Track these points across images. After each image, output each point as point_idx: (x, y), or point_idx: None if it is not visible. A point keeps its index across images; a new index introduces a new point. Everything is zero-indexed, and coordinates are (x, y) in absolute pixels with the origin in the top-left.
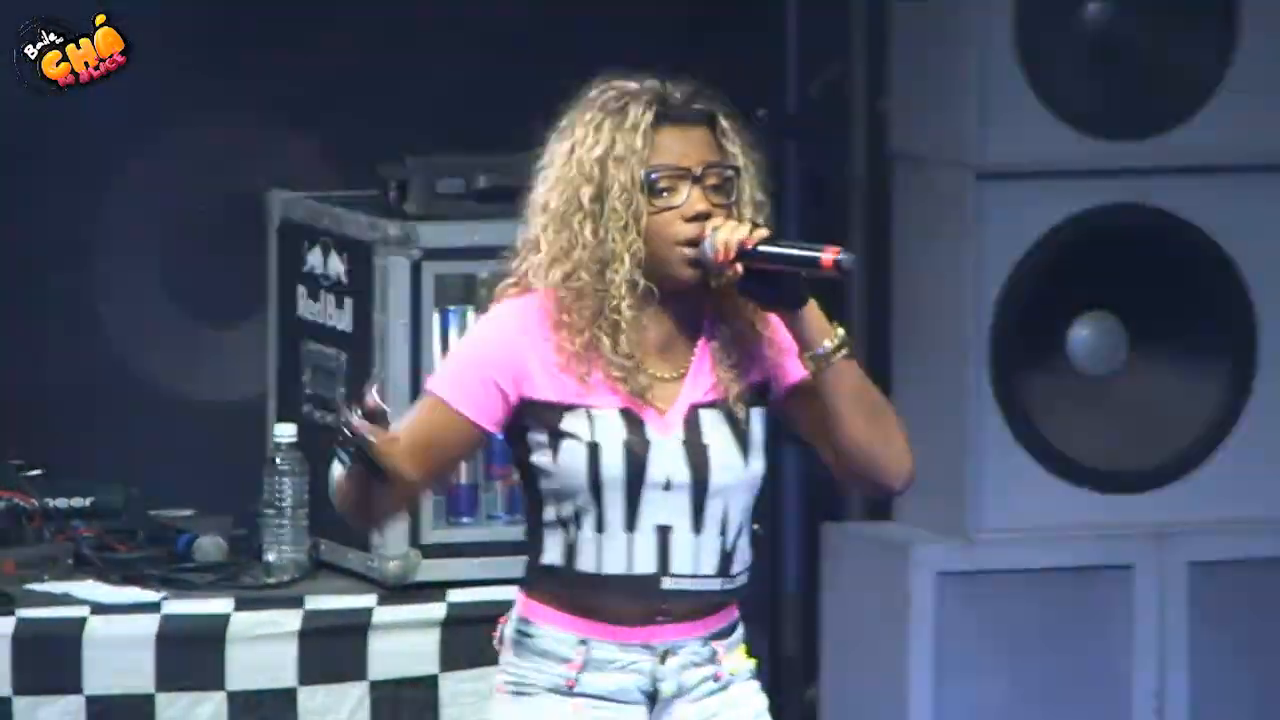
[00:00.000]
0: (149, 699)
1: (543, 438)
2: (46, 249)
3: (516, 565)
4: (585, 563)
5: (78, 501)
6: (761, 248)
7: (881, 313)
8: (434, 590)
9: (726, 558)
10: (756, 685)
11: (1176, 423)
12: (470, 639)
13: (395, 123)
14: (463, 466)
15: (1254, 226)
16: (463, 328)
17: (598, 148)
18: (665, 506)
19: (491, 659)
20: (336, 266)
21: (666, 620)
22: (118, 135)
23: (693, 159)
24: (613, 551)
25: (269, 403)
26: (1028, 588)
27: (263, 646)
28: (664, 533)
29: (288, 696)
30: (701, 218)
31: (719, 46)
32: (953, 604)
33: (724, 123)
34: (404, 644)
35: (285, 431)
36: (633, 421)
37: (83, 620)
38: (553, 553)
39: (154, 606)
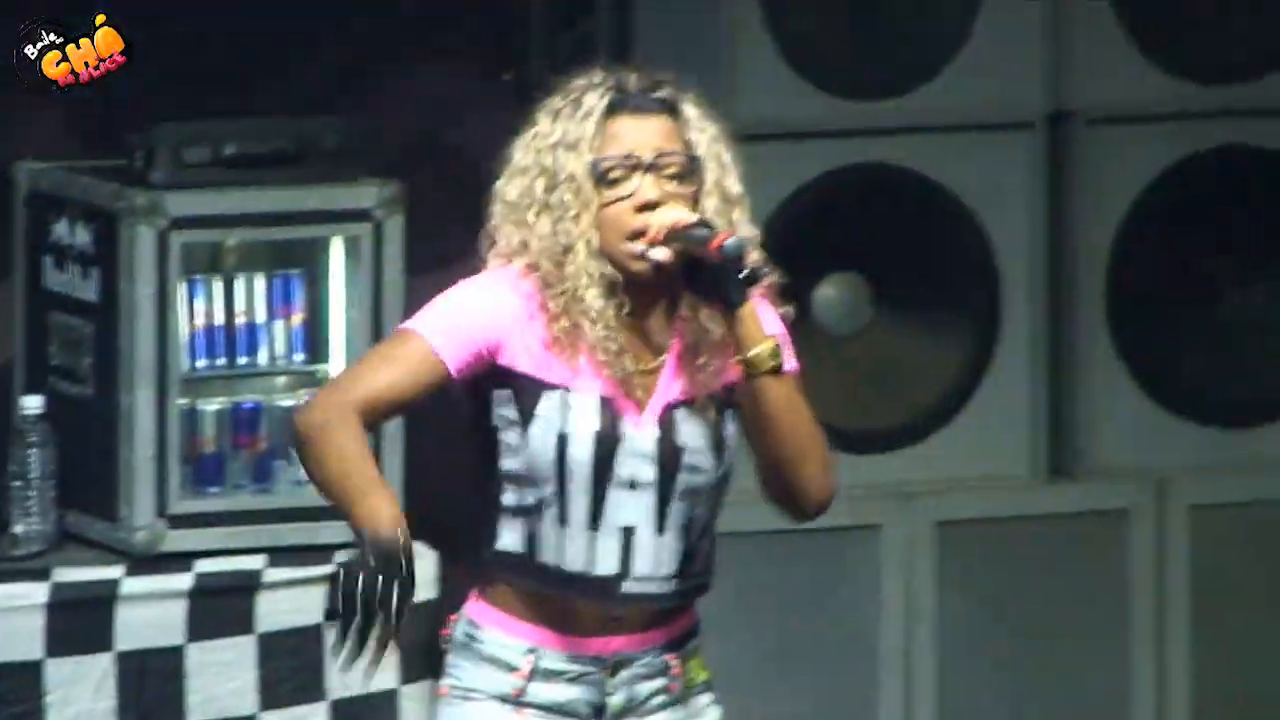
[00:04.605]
0: None
1: (513, 414)
2: None
3: (263, 535)
4: (547, 555)
5: None
6: (689, 232)
7: None
8: (181, 560)
9: (687, 558)
10: (712, 697)
11: (922, 382)
12: (217, 609)
13: (145, 90)
14: (210, 435)
15: (998, 186)
16: (209, 297)
17: (551, 136)
18: (630, 506)
19: (235, 630)
20: (83, 236)
21: (619, 630)
22: None
23: (645, 148)
24: (575, 549)
25: (15, 373)
26: (774, 549)
27: (9, 619)
28: (628, 534)
29: (34, 669)
30: (651, 208)
31: (462, 4)
32: None
33: (688, 112)
34: (151, 614)
35: (32, 403)
36: (609, 413)
37: None
38: (511, 538)
39: None
